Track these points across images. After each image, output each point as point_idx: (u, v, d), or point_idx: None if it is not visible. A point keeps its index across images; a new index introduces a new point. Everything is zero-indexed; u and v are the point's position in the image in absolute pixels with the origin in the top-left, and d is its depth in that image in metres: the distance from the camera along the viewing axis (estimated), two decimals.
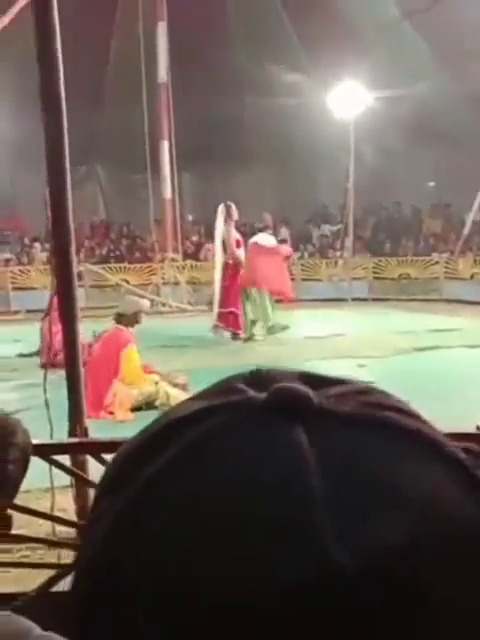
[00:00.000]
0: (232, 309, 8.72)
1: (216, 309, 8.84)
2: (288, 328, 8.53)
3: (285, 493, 0.26)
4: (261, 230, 9.22)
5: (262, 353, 7.48)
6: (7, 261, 14.72)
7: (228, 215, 8.61)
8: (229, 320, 8.79)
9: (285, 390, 0.29)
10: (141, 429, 0.32)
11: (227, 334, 8.79)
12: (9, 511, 0.99)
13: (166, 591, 0.26)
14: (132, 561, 0.27)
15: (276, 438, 0.27)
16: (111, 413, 5.53)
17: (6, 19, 3.34)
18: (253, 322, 8.54)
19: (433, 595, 0.26)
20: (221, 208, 8.70)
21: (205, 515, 0.26)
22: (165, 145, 13.29)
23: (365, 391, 0.31)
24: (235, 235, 8.77)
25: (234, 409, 0.29)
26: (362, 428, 0.28)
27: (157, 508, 0.27)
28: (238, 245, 8.82)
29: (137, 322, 5.96)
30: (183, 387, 5.83)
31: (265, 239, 8.93)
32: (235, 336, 8.70)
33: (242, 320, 8.57)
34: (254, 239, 8.91)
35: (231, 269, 8.76)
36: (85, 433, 2.35)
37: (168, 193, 13.62)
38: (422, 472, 0.28)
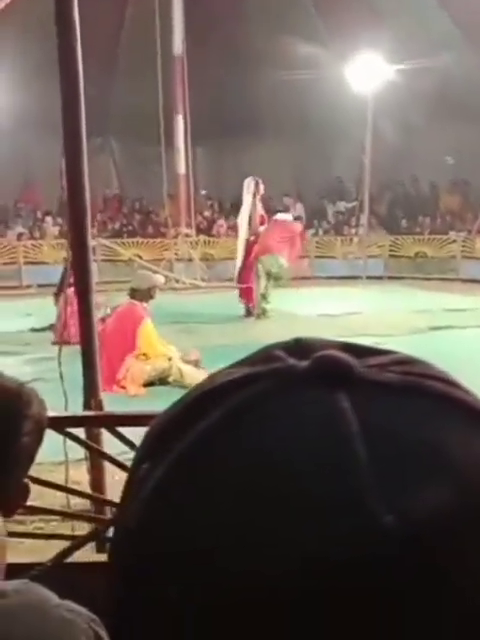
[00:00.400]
0: (251, 285, 8.75)
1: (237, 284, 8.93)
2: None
3: (328, 460, 0.26)
4: (281, 211, 9.34)
5: (275, 330, 7.46)
6: (19, 235, 14.72)
7: (256, 190, 8.53)
8: (246, 295, 8.83)
9: (327, 358, 0.29)
10: (179, 398, 0.31)
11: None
12: (26, 481, 0.98)
13: (201, 566, 0.26)
14: (169, 532, 0.27)
15: (318, 405, 0.27)
16: (124, 388, 5.55)
17: None
18: (263, 296, 8.52)
19: (474, 562, 0.26)
20: (247, 182, 8.62)
21: (247, 484, 0.26)
22: (179, 119, 13.15)
23: (407, 361, 0.31)
24: (260, 211, 8.73)
25: (276, 376, 0.29)
26: (405, 396, 0.28)
27: (197, 476, 0.27)
28: (262, 222, 8.78)
29: (151, 297, 5.96)
30: (196, 363, 5.84)
31: (285, 217, 9.03)
32: (249, 312, 8.73)
33: (255, 295, 8.55)
34: (276, 217, 8.95)
35: (252, 245, 8.74)
36: (100, 406, 2.35)
37: (182, 167, 13.52)
38: (466, 440, 0.28)
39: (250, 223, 8.72)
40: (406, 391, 0.28)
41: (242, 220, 8.98)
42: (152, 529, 0.28)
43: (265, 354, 0.31)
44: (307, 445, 0.26)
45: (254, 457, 0.26)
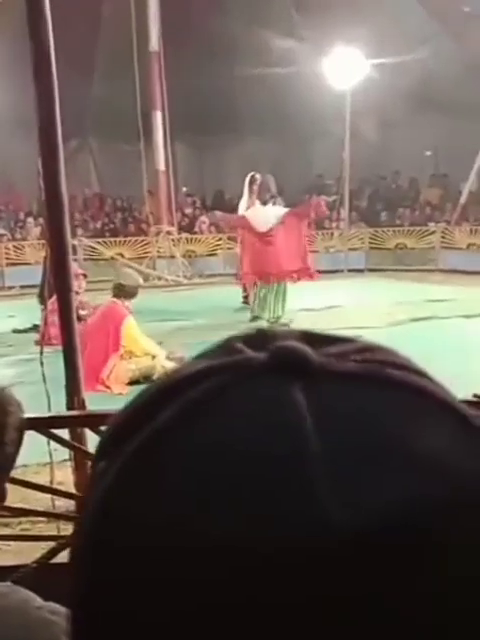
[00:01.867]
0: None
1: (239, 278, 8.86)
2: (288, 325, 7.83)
3: (279, 453, 0.25)
4: (264, 202, 8.08)
5: (257, 325, 7.46)
6: (0, 236, 14.58)
7: (253, 186, 8.43)
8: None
9: (284, 349, 0.28)
10: (136, 394, 0.31)
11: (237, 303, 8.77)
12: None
13: (159, 556, 0.25)
14: (130, 522, 0.26)
15: (273, 397, 0.27)
16: (108, 387, 5.53)
17: None
18: (262, 305, 8.21)
19: (439, 555, 0.25)
20: (248, 179, 8.54)
21: (202, 475, 0.26)
22: (158, 115, 13.06)
23: (368, 349, 0.30)
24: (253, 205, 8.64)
25: (233, 369, 0.28)
26: (363, 385, 0.27)
27: (153, 469, 0.27)
28: None
29: (134, 296, 5.95)
30: (180, 361, 5.83)
31: (260, 217, 7.86)
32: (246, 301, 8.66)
33: (252, 299, 8.35)
34: (244, 216, 7.99)
35: None
36: (83, 406, 2.35)
37: (162, 164, 13.44)
38: (427, 429, 0.27)
39: None
40: (365, 380, 0.28)
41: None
42: (106, 528, 0.27)
43: (225, 346, 0.31)
44: (258, 439, 0.26)
45: (205, 452, 0.26)
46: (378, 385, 0.28)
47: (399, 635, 0.24)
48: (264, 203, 8.10)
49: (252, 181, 8.37)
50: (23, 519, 2.67)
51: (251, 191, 8.39)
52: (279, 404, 0.26)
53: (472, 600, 0.25)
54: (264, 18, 13.39)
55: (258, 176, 8.40)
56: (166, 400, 0.28)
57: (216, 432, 0.27)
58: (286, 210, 8.16)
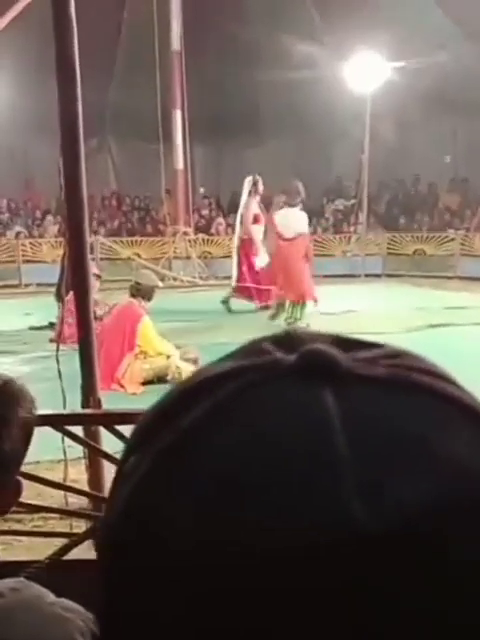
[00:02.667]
0: (248, 285, 8.68)
1: (234, 283, 8.80)
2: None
3: (309, 453, 0.26)
4: (292, 205, 8.01)
5: (274, 329, 7.44)
6: (17, 234, 14.71)
7: (254, 189, 8.45)
8: (246, 293, 8.78)
9: (313, 352, 0.29)
10: (167, 391, 0.31)
11: (250, 304, 8.73)
12: (18, 478, 0.97)
13: (190, 552, 0.26)
14: (157, 521, 0.27)
15: (302, 399, 0.27)
16: (122, 386, 5.55)
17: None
18: (282, 305, 8.17)
19: (459, 558, 0.25)
20: (247, 181, 8.56)
21: (230, 475, 0.26)
22: (178, 115, 13.10)
23: (396, 354, 0.30)
24: (255, 210, 8.65)
25: (261, 370, 0.29)
26: (391, 390, 0.28)
27: (184, 467, 0.27)
28: (257, 220, 8.68)
29: (151, 297, 5.97)
30: (194, 361, 5.83)
31: (291, 219, 7.91)
32: (260, 306, 8.62)
33: (274, 297, 8.30)
34: (277, 220, 7.97)
35: (246, 244, 8.68)
36: (99, 405, 2.35)
37: (180, 164, 13.48)
38: (451, 434, 0.27)
39: (242, 222, 8.65)
40: (393, 385, 0.28)
41: (237, 220, 8.90)
42: (135, 523, 0.27)
43: (254, 347, 0.31)
44: (287, 439, 0.26)
45: (235, 451, 0.26)
46: (405, 390, 0.28)
47: (416, 633, 0.24)
48: (293, 207, 8.06)
49: (254, 183, 8.41)
50: (36, 515, 2.69)
51: (252, 193, 8.41)
52: (308, 406, 0.27)
53: None
54: (286, 23, 13.40)
55: (259, 178, 8.43)
56: (195, 399, 0.28)
57: (245, 432, 0.27)
58: (306, 221, 8.22)
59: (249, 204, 8.55)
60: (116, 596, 0.28)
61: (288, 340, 0.31)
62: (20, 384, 0.97)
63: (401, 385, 0.28)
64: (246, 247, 8.72)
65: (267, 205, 9.18)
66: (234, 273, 8.84)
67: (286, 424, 0.27)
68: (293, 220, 7.96)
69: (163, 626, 0.26)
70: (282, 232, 7.93)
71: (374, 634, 0.24)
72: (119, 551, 0.28)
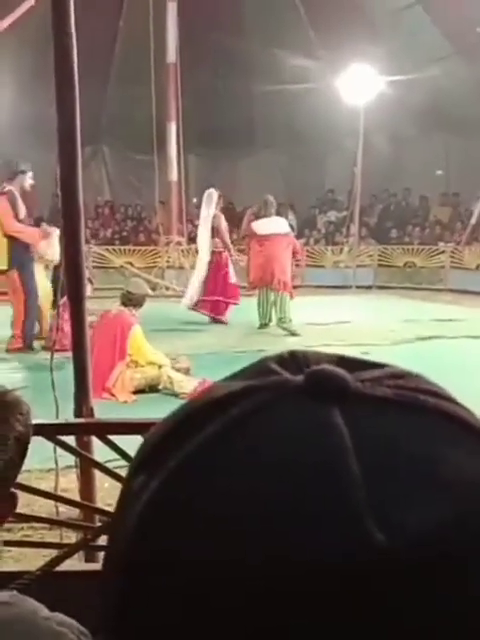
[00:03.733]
0: (218, 298, 8.62)
1: (192, 294, 8.64)
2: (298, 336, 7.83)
3: (322, 474, 0.26)
4: (267, 216, 8.38)
5: (264, 339, 7.46)
6: None
7: (212, 202, 8.51)
8: (211, 307, 8.71)
9: (321, 373, 0.29)
10: (177, 408, 0.31)
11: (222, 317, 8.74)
12: (13, 490, 0.96)
13: (204, 577, 0.25)
14: (167, 543, 0.26)
15: (314, 419, 0.27)
16: (113, 395, 5.53)
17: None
18: (267, 311, 8.24)
19: (475, 579, 0.25)
20: (210, 194, 8.63)
21: (244, 494, 0.26)
22: (172, 126, 13.15)
23: (401, 375, 0.31)
24: (224, 222, 8.69)
25: (271, 390, 0.29)
26: (399, 411, 0.28)
27: (194, 488, 0.27)
28: (230, 232, 8.84)
29: (141, 305, 5.97)
30: (186, 371, 5.83)
31: (271, 224, 8.29)
32: (215, 321, 8.62)
33: (261, 307, 8.35)
34: (255, 228, 8.30)
35: (218, 256, 8.66)
36: (91, 414, 2.34)
37: (174, 175, 13.52)
38: (461, 455, 0.28)
39: (213, 234, 8.61)
40: (400, 406, 0.28)
41: (202, 232, 8.69)
42: (147, 542, 0.27)
43: (260, 367, 0.31)
44: (300, 460, 0.26)
45: (248, 470, 0.26)
46: (412, 411, 0.29)
47: None
48: (268, 217, 8.34)
49: (219, 196, 8.53)
50: (25, 525, 2.66)
51: (209, 205, 8.48)
52: (319, 425, 0.27)
53: None
54: (281, 36, 13.51)
55: (214, 192, 8.55)
56: (207, 417, 0.29)
57: (258, 452, 0.27)
58: (286, 223, 8.55)
59: (220, 217, 8.59)
60: (130, 613, 0.28)
61: (293, 360, 0.31)
62: (16, 395, 0.95)
63: (408, 405, 0.29)
64: (218, 260, 8.69)
65: (239, 219, 9.27)
66: (198, 287, 8.62)
67: (299, 444, 0.27)
68: (273, 224, 8.31)
69: None
70: (263, 233, 8.20)
71: None
72: (134, 570, 0.28)
